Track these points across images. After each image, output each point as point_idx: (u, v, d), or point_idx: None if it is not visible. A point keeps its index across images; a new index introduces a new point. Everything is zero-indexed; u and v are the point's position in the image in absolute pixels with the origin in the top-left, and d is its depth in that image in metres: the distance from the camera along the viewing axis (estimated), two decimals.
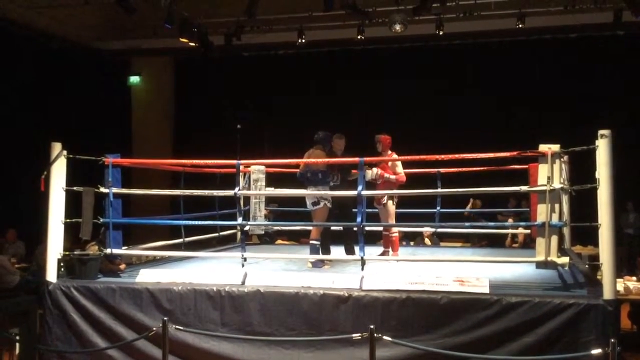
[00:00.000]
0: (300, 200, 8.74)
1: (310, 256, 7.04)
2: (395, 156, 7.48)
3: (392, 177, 7.47)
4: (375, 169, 7.51)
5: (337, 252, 7.60)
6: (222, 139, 11.12)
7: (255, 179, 8.45)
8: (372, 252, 7.46)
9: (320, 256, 7.09)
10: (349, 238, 7.56)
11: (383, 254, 7.80)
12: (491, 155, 6.59)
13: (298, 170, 7.34)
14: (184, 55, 13.91)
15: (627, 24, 11.03)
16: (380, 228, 8.66)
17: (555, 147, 5.70)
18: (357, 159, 6.18)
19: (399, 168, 7.56)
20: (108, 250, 6.49)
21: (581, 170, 6.46)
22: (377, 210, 7.76)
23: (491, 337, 5.12)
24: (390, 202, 7.62)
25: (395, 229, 7.77)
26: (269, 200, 10.23)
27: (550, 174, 5.61)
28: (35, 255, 8.75)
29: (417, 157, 6.40)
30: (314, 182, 7.05)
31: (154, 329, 5.49)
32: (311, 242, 7.17)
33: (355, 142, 7.87)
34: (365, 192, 6.19)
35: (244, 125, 6.91)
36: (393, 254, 7.64)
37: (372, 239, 8.77)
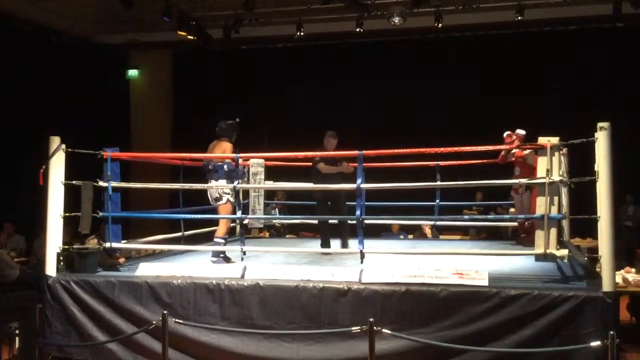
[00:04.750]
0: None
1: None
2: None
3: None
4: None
5: (336, 246, 7.61)
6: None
7: (254, 172, 8.45)
8: (371, 245, 7.44)
9: (222, 248, 6.79)
10: (344, 231, 7.57)
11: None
12: (490, 147, 6.61)
13: (305, 163, 7.31)
14: (183, 48, 13.87)
15: (626, 15, 11.00)
16: (380, 222, 8.67)
17: (554, 140, 5.71)
18: (356, 152, 6.17)
19: None
20: (107, 244, 6.50)
21: (580, 163, 6.45)
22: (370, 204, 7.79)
23: (490, 330, 5.12)
24: (528, 191, 7.76)
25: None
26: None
27: (550, 167, 5.62)
28: (34, 249, 8.75)
29: (416, 150, 6.39)
30: (217, 176, 6.64)
31: (154, 322, 5.49)
32: (215, 238, 6.80)
33: (354, 134, 7.87)
34: (364, 186, 6.19)
35: (242, 118, 6.89)
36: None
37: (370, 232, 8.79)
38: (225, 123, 6.92)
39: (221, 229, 6.81)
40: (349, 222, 7.38)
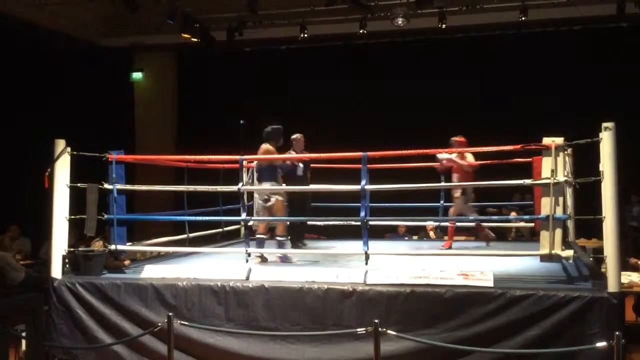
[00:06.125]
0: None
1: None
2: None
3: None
4: (445, 154, 7.93)
5: (340, 247, 7.61)
6: (225, 135, 11.13)
7: None
8: (376, 246, 7.44)
9: (289, 250, 7.15)
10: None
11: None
12: (495, 148, 6.59)
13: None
14: (187, 51, 13.91)
15: (630, 15, 10.99)
16: (383, 223, 8.67)
17: (559, 140, 5.70)
18: (360, 153, 6.17)
19: None
20: (113, 247, 6.52)
21: (585, 163, 6.44)
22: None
23: (495, 331, 5.12)
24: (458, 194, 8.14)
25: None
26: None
27: (554, 167, 5.61)
28: (42, 252, 8.77)
29: (421, 151, 6.39)
30: (263, 179, 7.00)
31: (159, 324, 5.50)
32: (277, 238, 7.17)
33: (356, 135, 7.87)
34: (368, 187, 6.18)
35: (246, 120, 6.95)
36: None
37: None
38: (272, 127, 7.25)
39: (281, 227, 7.12)
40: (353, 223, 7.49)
